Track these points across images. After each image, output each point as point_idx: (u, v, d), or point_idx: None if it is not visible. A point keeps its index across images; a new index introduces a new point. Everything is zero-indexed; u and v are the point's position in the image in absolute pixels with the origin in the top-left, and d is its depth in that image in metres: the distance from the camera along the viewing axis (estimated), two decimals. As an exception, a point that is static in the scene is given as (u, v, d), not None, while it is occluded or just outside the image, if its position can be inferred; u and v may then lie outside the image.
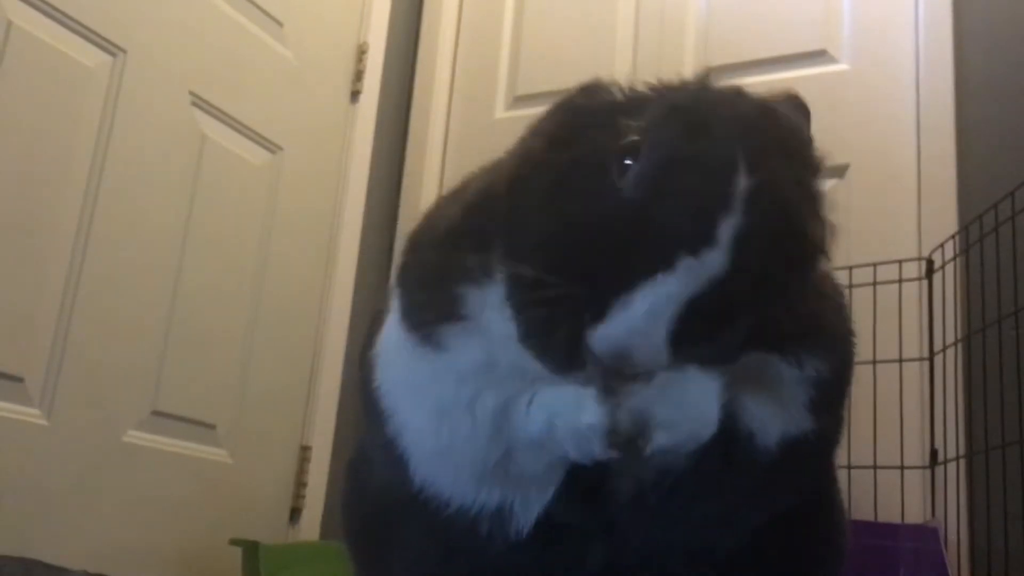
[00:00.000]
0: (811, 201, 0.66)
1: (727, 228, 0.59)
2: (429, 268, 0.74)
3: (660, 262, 0.58)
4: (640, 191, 0.61)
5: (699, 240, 0.59)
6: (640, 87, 0.72)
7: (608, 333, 0.58)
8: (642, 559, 0.74)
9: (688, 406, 0.65)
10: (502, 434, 0.69)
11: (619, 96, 0.71)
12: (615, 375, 0.62)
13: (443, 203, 0.82)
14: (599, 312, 0.58)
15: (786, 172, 0.63)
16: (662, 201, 0.60)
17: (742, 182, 0.60)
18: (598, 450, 0.64)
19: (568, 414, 0.65)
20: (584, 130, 0.68)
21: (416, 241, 0.79)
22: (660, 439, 0.63)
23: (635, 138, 0.63)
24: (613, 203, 0.62)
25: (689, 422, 0.65)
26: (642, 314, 0.58)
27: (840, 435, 0.83)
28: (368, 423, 0.81)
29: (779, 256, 0.62)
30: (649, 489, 0.69)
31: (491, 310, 0.68)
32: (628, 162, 0.62)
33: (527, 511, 0.72)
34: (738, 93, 0.69)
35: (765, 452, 0.70)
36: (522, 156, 0.71)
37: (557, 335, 0.61)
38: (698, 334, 0.60)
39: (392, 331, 0.77)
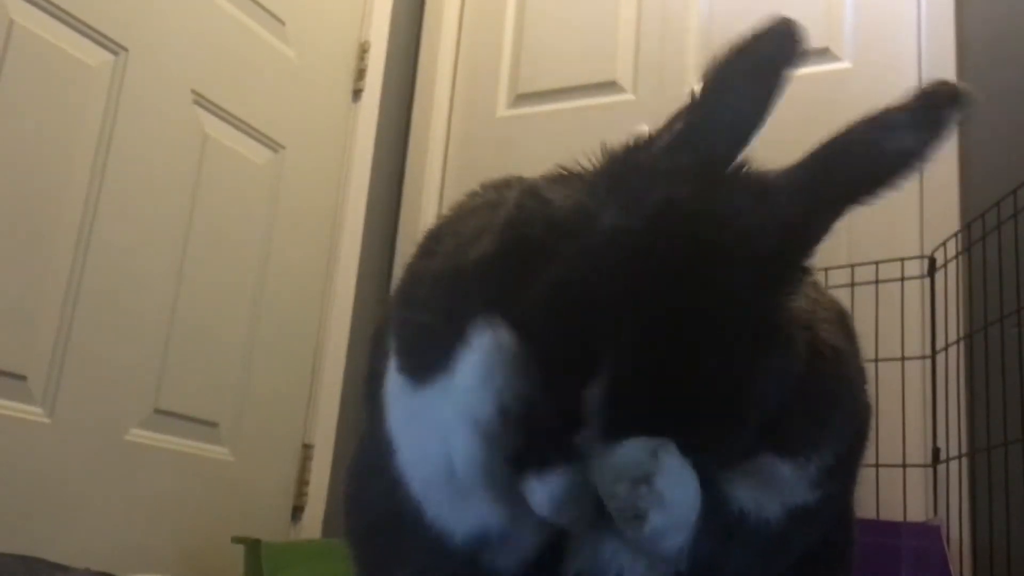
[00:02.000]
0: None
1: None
2: (422, 332, 0.74)
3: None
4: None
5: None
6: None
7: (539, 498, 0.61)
8: None
9: (685, 483, 0.63)
10: (446, 439, 0.69)
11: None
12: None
13: (426, 250, 0.81)
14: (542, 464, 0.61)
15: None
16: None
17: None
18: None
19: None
20: None
21: (405, 302, 0.79)
22: (657, 520, 0.61)
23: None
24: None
25: (684, 508, 0.63)
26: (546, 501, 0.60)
27: (855, 478, 0.82)
28: (381, 465, 0.80)
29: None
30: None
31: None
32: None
33: (518, 540, 0.71)
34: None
35: (764, 525, 0.69)
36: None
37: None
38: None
39: (392, 374, 0.78)
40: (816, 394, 0.69)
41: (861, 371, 0.78)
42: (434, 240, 0.81)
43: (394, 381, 0.77)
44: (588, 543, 0.70)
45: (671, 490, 0.61)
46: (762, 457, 0.67)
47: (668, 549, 0.65)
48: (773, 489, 0.69)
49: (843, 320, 0.78)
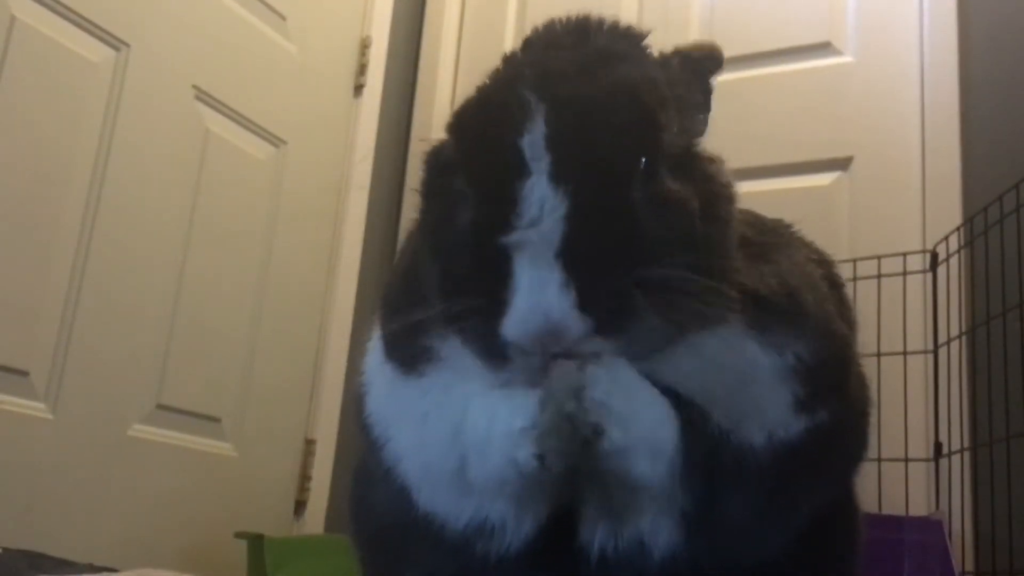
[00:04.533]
0: (603, 75, 0.66)
1: (533, 182, 0.62)
2: (402, 323, 0.75)
3: (503, 251, 0.61)
4: (468, 204, 0.65)
5: (503, 218, 0.62)
6: None
7: (512, 321, 0.60)
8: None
9: (639, 402, 0.65)
10: (457, 439, 0.70)
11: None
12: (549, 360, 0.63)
13: (405, 250, 0.84)
14: (499, 310, 0.61)
15: (569, 78, 0.65)
16: (478, 205, 0.64)
17: (528, 132, 0.63)
18: (521, 457, 0.64)
19: (504, 417, 0.66)
20: (436, 184, 0.73)
21: (386, 296, 0.82)
22: (616, 436, 0.63)
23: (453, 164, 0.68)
24: (459, 225, 0.65)
25: (644, 418, 0.65)
26: (526, 287, 0.60)
27: (860, 426, 0.81)
28: (366, 452, 0.81)
29: (596, 148, 0.62)
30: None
31: (457, 351, 0.69)
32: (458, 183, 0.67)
33: (515, 527, 0.71)
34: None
35: (751, 453, 0.69)
36: (415, 223, 0.78)
37: (480, 341, 0.64)
38: (599, 285, 0.60)
39: (375, 362, 0.79)
40: (778, 291, 0.72)
41: (842, 304, 0.81)
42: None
43: (379, 369, 0.78)
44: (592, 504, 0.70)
45: (616, 400, 0.64)
46: (732, 326, 0.68)
47: (647, 476, 0.66)
48: (753, 403, 0.69)
49: (825, 266, 0.84)
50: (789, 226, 0.84)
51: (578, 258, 0.60)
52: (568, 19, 0.75)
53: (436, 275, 0.68)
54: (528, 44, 0.75)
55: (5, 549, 1.50)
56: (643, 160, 0.63)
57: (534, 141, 0.62)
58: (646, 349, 0.65)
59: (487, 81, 0.72)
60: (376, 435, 0.78)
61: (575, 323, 0.60)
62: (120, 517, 1.90)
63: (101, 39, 1.93)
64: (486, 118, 0.66)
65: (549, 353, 0.62)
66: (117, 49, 1.96)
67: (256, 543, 1.79)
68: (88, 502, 1.84)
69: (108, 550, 1.80)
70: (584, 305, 0.60)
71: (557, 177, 0.61)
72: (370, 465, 0.82)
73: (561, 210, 0.61)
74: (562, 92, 0.64)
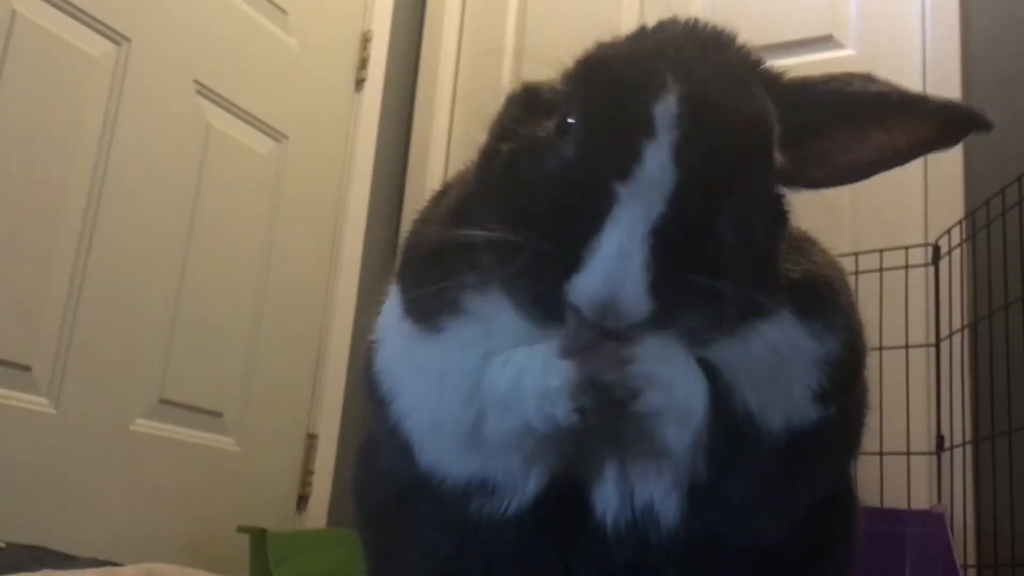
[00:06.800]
0: (737, 89, 0.66)
1: (656, 145, 0.60)
2: (429, 266, 0.74)
3: (605, 200, 0.60)
4: (574, 144, 0.64)
5: (623, 164, 0.60)
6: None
7: (585, 283, 0.59)
8: (664, 555, 0.72)
9: (679, 369, 0.65)
10: (476, 395, 0.69)
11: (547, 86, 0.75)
12: (598, 335, 0.62)
13: (437, 199, 0.83)
14: (572, 264, 0.59)
15: (706, 74, 0.65)
16: (591, 145, 0.63)
17: (663, 101, 0.62)
18: (560, 413, 0.64)
19: (536, 373, 0.65)
20: (528, 113, 0.72)
21: (413, 241, 0.80)
22: (653, 398, 0.63)
23: (566, 103, 0.67)
24: (556, 163, 0.64)
25: (679, 385, 0.65)
26: (612, 254, 0.58)
27: (859, 426, 0.82)
28: (372, 410, 0.81)
29: (719, 147, 0.62)
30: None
31: (488, 303, 0.69)
32: (569, 121, 0.65)
33: (517, 486, 0.71)
34: (646, 30, 0.73)
35: (768, 436, 0.69)
36: (484, 144, 0.77)
37: (535, 289, 0.62)
38: (679, 274, 0.60)
39: (390, 318, 0.78)
40: (815, 288, 0.74)
41: (853, 308, 0.81)
42: (443, 187, 0.84)
43: (395, 326, 0.77)
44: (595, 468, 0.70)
45: (661, 370, 0.64)
46: (784, 314, 0.69)
47: (676, 442, 0.66)
48: (780, 389, 0.70)
49: (836, 269, 0.84)
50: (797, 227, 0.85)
51: (668, 243, 0.59)
52: (705, 24, 0.75)
53: (506, 209, 0.66)
54: (664, 28, 0.74)
55: (8, 543, 1.51)
56: (755, 180, 0.65)
57: (666, 112, 0.61)
58: (692, 337, 0.65)
59: (621, 41, 0.71)
60: (384, 391, 0.78)
61: (642, 307, 0.59)
62: (123, 512, 1.90)
63: (102, 34, 1.93)
64: (621, 75, 0.65)
65: (600, 327, 0.61)
66: (118, 44, 1.96)
67: (259, 537, 1.79)
68: (91, 497, 1.85)
69: (111, 544, 1.80)
70: (656, 293, 0.59)
71: (678, 155, 0.60)
72: (375, 426, 0.82)
73: (670, 187, 0.60)
74: (701, 84, 0.64)
